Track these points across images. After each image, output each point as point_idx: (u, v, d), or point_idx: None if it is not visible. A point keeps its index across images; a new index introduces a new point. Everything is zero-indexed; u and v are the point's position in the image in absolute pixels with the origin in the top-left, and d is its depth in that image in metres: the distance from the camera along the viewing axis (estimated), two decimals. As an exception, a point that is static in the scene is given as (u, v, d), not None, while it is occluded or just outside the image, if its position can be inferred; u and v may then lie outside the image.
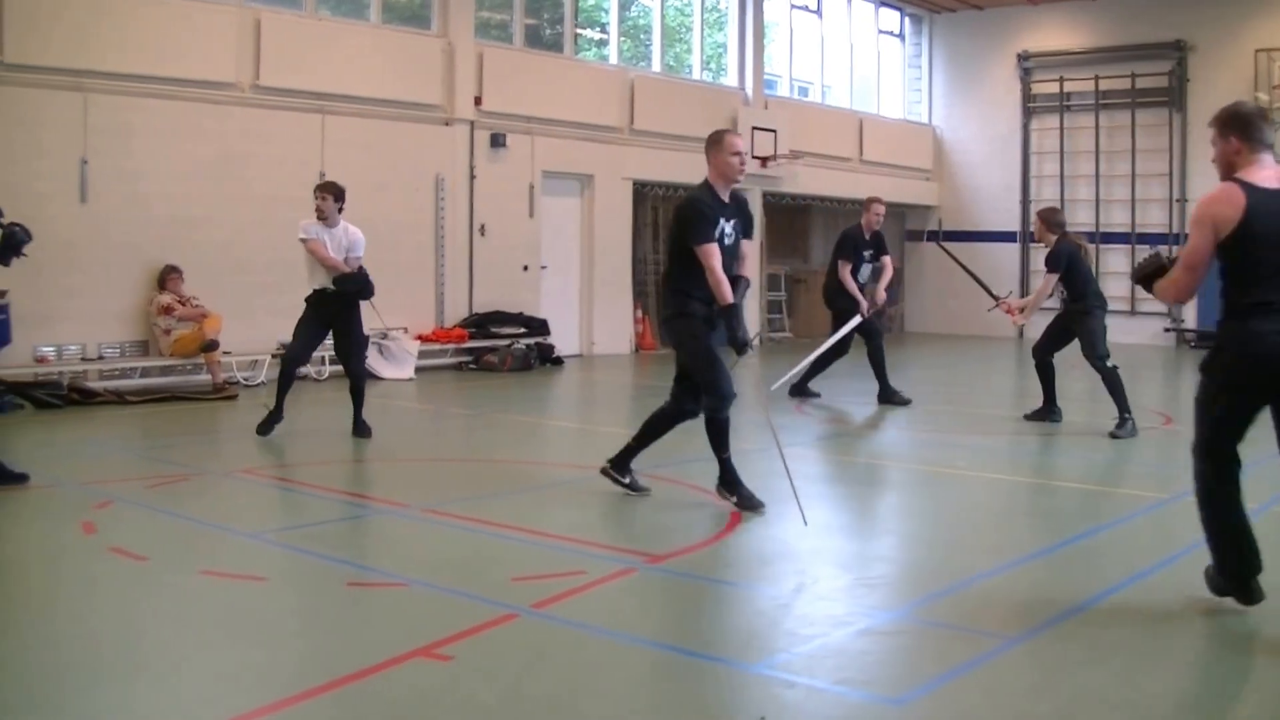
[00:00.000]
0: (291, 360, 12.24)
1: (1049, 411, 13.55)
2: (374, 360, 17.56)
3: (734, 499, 8.78)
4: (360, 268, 12.17)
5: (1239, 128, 6.29)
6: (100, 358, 15.67)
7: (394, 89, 18.78)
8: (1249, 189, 6.12)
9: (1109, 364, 12.66)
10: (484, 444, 12.63)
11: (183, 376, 15.98)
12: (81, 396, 14.24)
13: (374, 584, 6.80)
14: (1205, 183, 26.85)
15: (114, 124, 15.73)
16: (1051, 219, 13.60)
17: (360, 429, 12.24)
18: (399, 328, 18.26)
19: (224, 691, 5.16)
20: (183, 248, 16.14)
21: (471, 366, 19.25)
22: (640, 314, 23.54)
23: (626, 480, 9.12)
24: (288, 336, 15.37)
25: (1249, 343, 6.21)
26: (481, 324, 19.73)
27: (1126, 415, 12.52)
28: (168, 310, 15.69)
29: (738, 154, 8.81)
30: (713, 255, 8.53)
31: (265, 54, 17.19)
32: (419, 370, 18.16)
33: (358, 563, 7.27)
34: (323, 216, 12.13)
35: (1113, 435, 12.29)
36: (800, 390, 15.93)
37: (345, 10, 19.02)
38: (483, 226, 20.07)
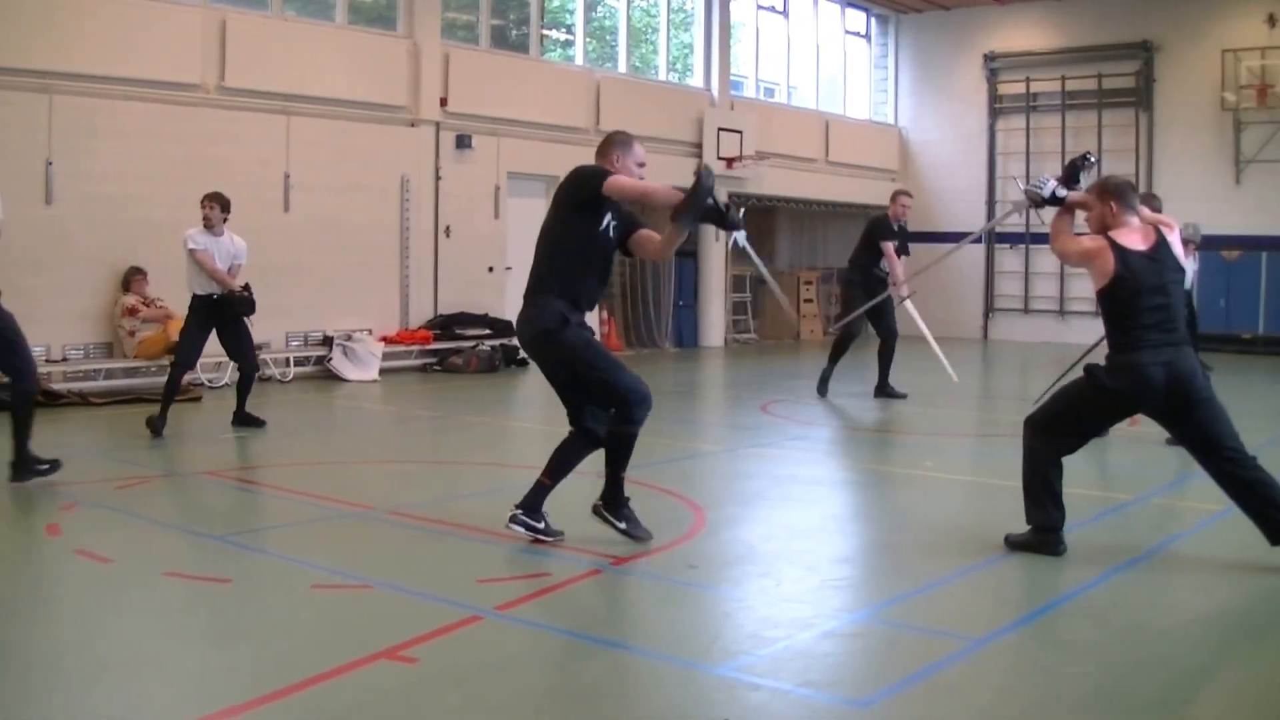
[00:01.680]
0: (182, 366, 12.56)
1: None
2: (338, 362, 17.56)
3: (621, 525, 7.66)
4: (246, 285, 12.56)
5: (1117, 196, 7.68)
6: (65, 359, 15.60)
7: (360, 90, 18.74)
8: (1119, 251, 7.46)
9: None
10: (449, 446, 12.62)
11: (147, 378, 15.91)
12: (46, 398, 14.15)
13: (339, 586, 6.79)
14: (1173, 182, 27.12)
15: (79, 125, 15.65)
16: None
17: (245, 420, 12.61)
18: (364, 329, 18.24)
19: (187, 694, 5.15)
20: (147, 249, 16.06)
21: (436, 368, 19.22)
22: (606, 315, 23.53)
23: (540, 525, 7.62)
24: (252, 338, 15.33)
25: (1136, 371, 7.38)
26: (446, 325, 19.70)
27: None
28: (132, 312, 15.63)
29: (643, 165, 7.81)
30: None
31: (230, 55, 17.12)
32: (383, 372, 18.11)
33: (322, 565, 7.25)
34: (210, 225, 12.51)
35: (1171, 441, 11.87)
36: (884, 390, 16.01)
37: (311, 11, 18.97)
38: (448, 228, 20.05)
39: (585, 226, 7.57)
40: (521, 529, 7.58)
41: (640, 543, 7.58)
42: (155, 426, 12.13)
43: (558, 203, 7.66)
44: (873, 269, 15.79)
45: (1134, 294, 7.38)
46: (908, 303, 16.19)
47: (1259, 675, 5.73)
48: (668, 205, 7.30)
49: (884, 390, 15.79)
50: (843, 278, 15.98)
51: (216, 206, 12.57)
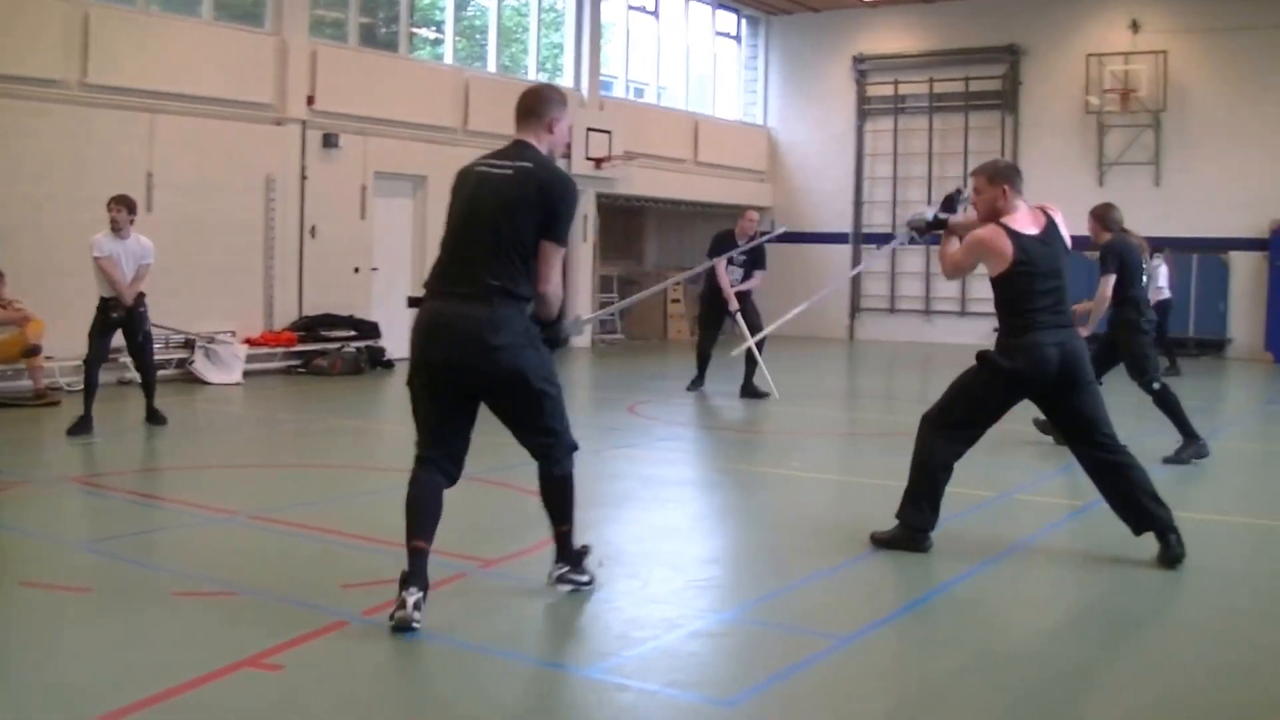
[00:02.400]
0: (94, 364, 12.65)
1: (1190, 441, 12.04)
2: (200, 365, 17.27)
3: (585, 580, 6.71)
4: (141, 297, 12.85)
5: (1009, 179, 7.72)
6: (-83, 362, 15.23)
7: (225, 87, 18.46)
8: (1015, 237, 7.51)
9: (1154, 385, 12.06)
10: (314, 449, 12.48)
11: (4, 382, 15.54)
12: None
13: (202, 593, 6.68)
14: (1038, 184, 27.47)
15: (-67, 122, 15.29)
16: (1106, 215, 12.93)
17: (155, 417, 12.80)
18: (227, 331, 17.98)
19: (47, 706, 5.05)
20: (4, 250, 15.66)
21: (301, 370, 18.99)
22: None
23: (586, 578, 6.72)
24: (112, 342, 15.04)
25: (1032, 351, 7.47)
26: (311, 327, 19.45)
27: (1192, 436, 11.90)
28: (-12, 314, 15.30)
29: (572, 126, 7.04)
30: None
31: (94, 50, 16.75)
32: (247, 375, 17.81)
33: (185, 571, 7.13)
34: (117, 229, 12.60)
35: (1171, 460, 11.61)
36: (749, 390, 16.12)
37: (177, 6, 18.64)
38: (314, 228, 19.82)
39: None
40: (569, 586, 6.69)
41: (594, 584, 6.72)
42: (84, 427, 12.13)
43: (536, 209, 6.13)
44: (712, 281, 16.02)
45: (1030, 278, 7.51)
46: (737, 316, 16.33)
47: (1121, 667, 5.82)
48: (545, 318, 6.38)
49: (750, 391, 15.89)
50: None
51: (124, 209, 12.63)
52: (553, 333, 6.45)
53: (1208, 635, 6.36)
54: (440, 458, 6.33)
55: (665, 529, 8.71)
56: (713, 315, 16.46)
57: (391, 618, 5.90)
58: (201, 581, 6.92)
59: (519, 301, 6.13)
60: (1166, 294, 21.13)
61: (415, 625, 5.86)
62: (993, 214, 7.65)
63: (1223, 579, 7.58)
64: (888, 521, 7.93)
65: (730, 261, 15.84)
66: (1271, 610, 6.98)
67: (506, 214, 6.13)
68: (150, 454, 11.72)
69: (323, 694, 5.20)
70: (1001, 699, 5.41)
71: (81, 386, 12.81)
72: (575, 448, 6.55)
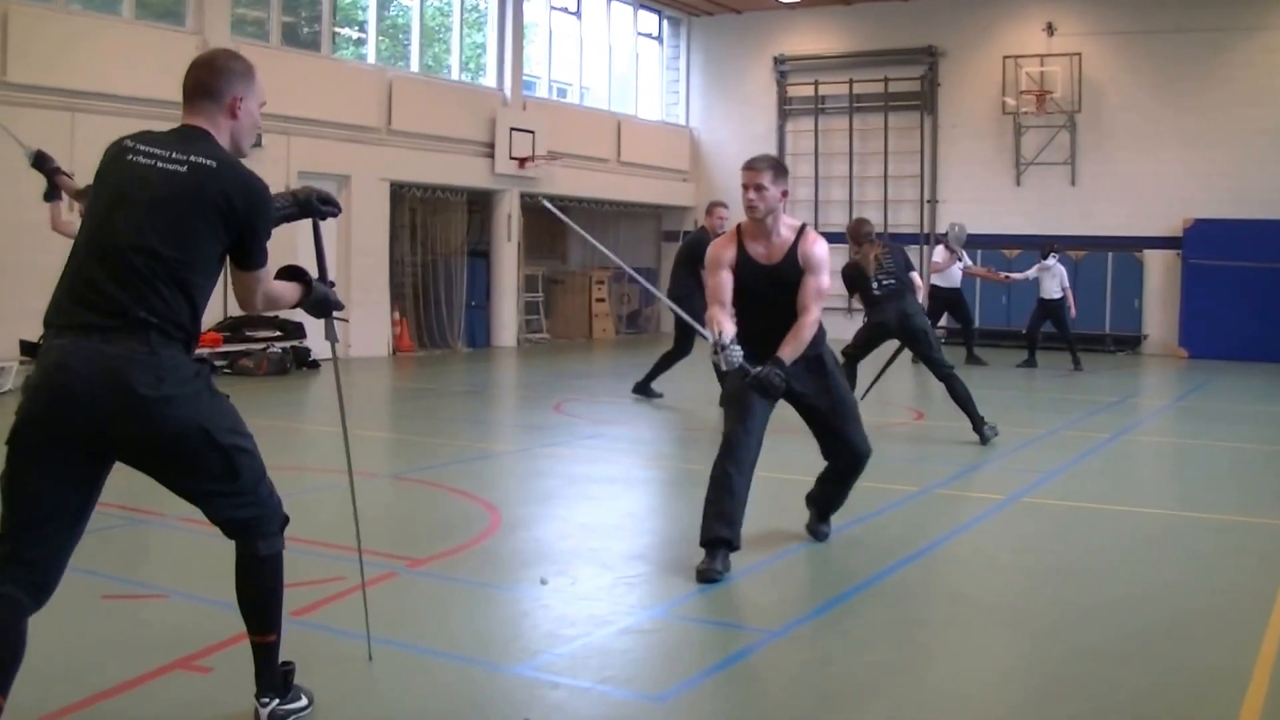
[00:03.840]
0: None
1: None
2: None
3: (303, 706, 4.99)
4: None
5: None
6: None
7: (147, 87, 18.26)
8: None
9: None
10: (241, 449, 12.42)
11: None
12: None
13: (131, 596, 6.68)
14: (956, 184, 27.82)
15: None
16: (854, 232, 13.24)
17: None
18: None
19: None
20: (-77, 251, 15.58)
21: (226, 371, 18.88)
22: (398, 316, 23.38)
23: (303, 701, 5.02)
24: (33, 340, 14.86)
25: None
26: (236, 327, 19.35)
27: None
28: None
29: (263, 105, 5.14)
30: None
31: (12, 48, 16.59)
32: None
33: (114, 574, 7.11)
34: None
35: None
36: (643, 389, 15.99)
37: (97, 5, 18.50)
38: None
39: (218, 265, 4.78)
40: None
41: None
42: None
43: (222, 227, 4.61)
44: (699, 291, 15.57)
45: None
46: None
47: (1042, 659, 5.93)
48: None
49: (643, 389, 15.87)
50: (674, 298, 15.78)
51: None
52: (315, 303, 5.35)
53: (1115, 621, 6.50)
54: (24, 563, 4.63)
55: (592, 526, 8.75)
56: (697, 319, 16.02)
57: None
58: (130, 584, 6.91)
59: (184, 340, 4.56)
60: (1057, 294, 21.41)
61: None
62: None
63: (1129, 567, 7.74)
64: (805, 515, 8.10)
65: None
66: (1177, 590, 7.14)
67: (176, 229, 4.52)
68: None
69: (253, 695, 5.22)
70: (922, 690, 5.52)
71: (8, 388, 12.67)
72: (286, 520, 4.93)
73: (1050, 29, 26.99)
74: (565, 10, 27.90)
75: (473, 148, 24.42)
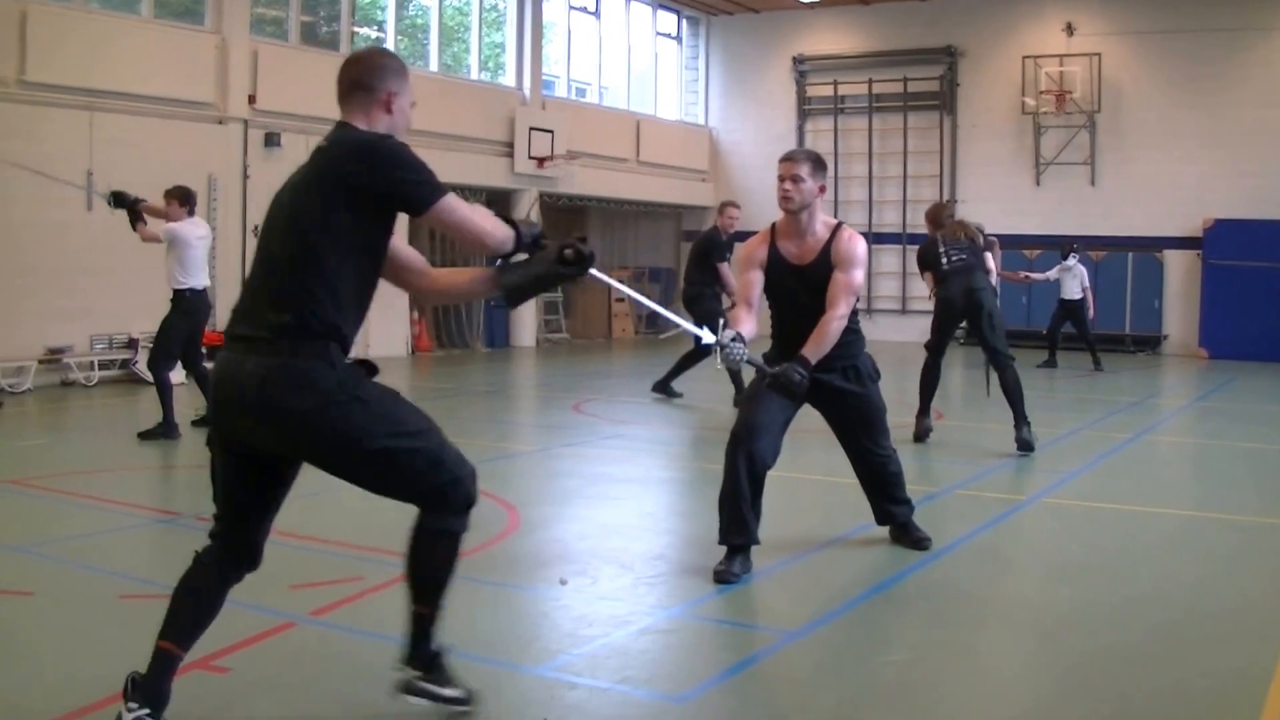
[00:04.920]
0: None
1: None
2: (143, 365, 17.17)
3: (452, 695, 4.97)
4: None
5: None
6: None
7: (166, 86, 18.36)
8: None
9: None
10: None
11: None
12: None
13: (148, 596, 6.65)
14: (976, 184, 27.76)
15: None
16: (934, 215, 13.22)
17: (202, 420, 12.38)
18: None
19: (-9, 710, 5.04)
20: (-56, 249, 15.63)
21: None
22: (417, 316, 23.40)
23: (452, 691, 4.97)
24: (54, 342, 14.97)
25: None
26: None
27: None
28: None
29: (414, 105, 5.17)
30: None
31: (32, 48, 16.63)
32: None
33: (131, 574, 7.12)
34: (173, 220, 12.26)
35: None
36: (663, 387, 15.95)
37: (116, 4, 18.54)
38: (256, 227, 19.52)
39: (379, 234, 4.73)
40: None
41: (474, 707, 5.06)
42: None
43: (337, 185, 4.54)
44: (713, 286, 15.51)
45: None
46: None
47: (1062, 659, 5.90)
48: (499, 251, 4.97)
49: (663, 388, 15.85)
50: (687, 297, 15.67)
51: (175, 202, 12.35)
52: (531, 256, 5.08)
53: (1136, 621, 6.46)
54: (227, 543, 4.87)
55: (612, 526, 8.74)
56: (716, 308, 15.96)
57: None
58: (147, 584, 6.90)
59: (322, 343, 4.49)
60: (1078, 294, 21.36)
61: None
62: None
63: (1149, 567, 7.70)
64: (828, 515, 8.05)
65: (728, 261, 15.68)
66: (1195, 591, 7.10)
67: (294, 222, 4.53)
68: (93, 456, 11.65)
69: (270, 695, 5.21)
70: (940, 692, 5.49)
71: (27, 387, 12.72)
72: (471, 502, 4.92)
73: (1070, 29, 26.93)
74: (584, 10, 27.90)
75: (492, 147, 24.43)
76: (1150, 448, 13.25)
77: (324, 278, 4.50)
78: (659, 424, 14.33)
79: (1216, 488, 11.00)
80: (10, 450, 11.71)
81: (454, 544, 4.88)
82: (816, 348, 7.25)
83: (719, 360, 6.95)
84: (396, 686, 4.94)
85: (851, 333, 7.48)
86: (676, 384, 15.77)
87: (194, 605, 4.79)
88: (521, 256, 5.05)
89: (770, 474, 7.34)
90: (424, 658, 4.92)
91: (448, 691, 4.95)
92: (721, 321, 7.04)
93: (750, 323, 7.25)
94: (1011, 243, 26.27)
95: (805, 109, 30.08)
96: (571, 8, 27.50)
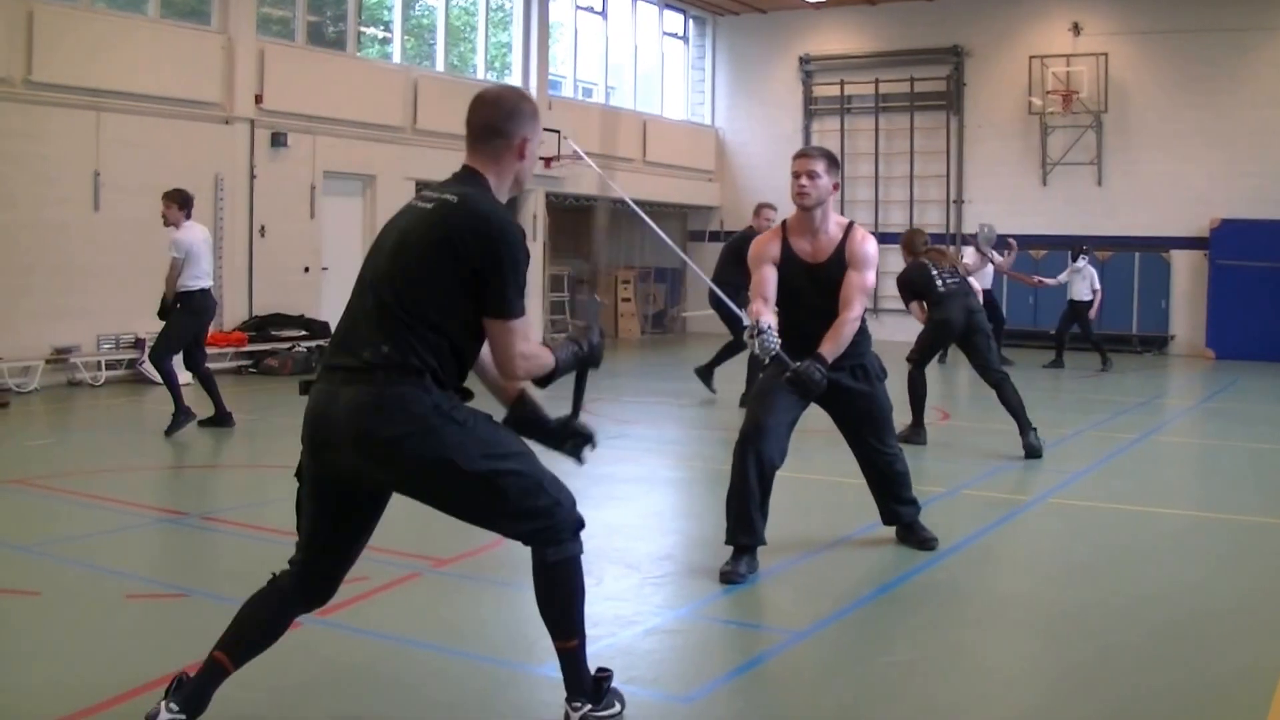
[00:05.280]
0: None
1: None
2: (149, 365, 17.20)
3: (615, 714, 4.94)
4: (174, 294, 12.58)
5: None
6: None
7: (172, 86, 18.36)
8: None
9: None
10: (265, 449, 12.46)
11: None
12: None
13: (154, 595, 6.69)
14: (983, 184, 27.74)
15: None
16: (909, 243, 13.25)
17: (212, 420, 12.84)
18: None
19: (-3, 709, 5.05)
20: (-50, 249, 15.64)
21: (252, 370, 18.94)
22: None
23: (618, 708, 4.98)
24: (60, 342, 14.99)
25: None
26: (261, 327, 19.40)
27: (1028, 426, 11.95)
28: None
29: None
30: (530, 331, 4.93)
31: (38, 48, 16.61)
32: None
33: (136, 574, 7.13)
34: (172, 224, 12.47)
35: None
36: (705, 374, 16.04)
37: (122, 4, 18.54)
38: (263, 227, 19.75)
39: (474, 312, 4.62)
40: None
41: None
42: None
43: (455, 260, 4.49)
44: (742, 291, 15.54)
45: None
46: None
47: (1067, 660, 5.91)
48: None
49: (704, 376, 15.88)
50: (713, 300, 15.67)
51: (174, 205, 12.52)
52: (572, 360, 5.31)
53: (1140, 621, 6.46)
54: (304, 574, 4.88)
55: (618, 527, 8.73)
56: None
57: None
58: (153, 584, 6.92)
59: (418, 375, 4.49)
60: (1087, 296, 21.38)
61: None
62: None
63: (1153, 567, 7.71)
64: (833, 514, 8.04)
65: None
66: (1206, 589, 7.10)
67: (409, 267, 4.54)
68: (99, 455, 11.67)
69: (276, 697, 5.22)
70: (952, 692, 5.50)
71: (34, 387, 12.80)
72: (580, 525, 4.97)
73: (1076, 29, 26.90)
74: (590, 10, 27.90)
75: (498, 147, 24.40)
76: (1156, 448, 13.24)
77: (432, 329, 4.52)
78: (665, 424, 14.35)
79: (1221, 488, 11.01)
80: (17, 450, 11.72)
81: (572, 568, 4.87)
82: (833, 347, 7.26)
83: (756, 347, 7.03)
84: None
85: (858, 332, 7.48)
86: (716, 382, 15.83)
87: (257, 628, 4.80)
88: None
89: (789, 475, 7.34)
90: (587, 688, 4.86)
91: (614, 710, 4.93)
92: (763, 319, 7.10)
93: (771, 317, 7.24)
94: (1018, 243, 26.32)
95: (811, 109, 30.05)
96: (578, 7, 27.50)
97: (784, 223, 7.63)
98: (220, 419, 12.60)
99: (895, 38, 28.82)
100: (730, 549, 7.21)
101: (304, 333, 19.73)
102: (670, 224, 31.30)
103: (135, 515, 8.95)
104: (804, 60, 29.96)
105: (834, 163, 7.46)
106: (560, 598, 4.84)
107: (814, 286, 7.40)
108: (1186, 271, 26.11)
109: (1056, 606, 6.90)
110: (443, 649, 5.86)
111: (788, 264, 7.46)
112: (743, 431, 7.34)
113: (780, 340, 7.02)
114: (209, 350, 18.33)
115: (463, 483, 4.58)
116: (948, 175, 28.35)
